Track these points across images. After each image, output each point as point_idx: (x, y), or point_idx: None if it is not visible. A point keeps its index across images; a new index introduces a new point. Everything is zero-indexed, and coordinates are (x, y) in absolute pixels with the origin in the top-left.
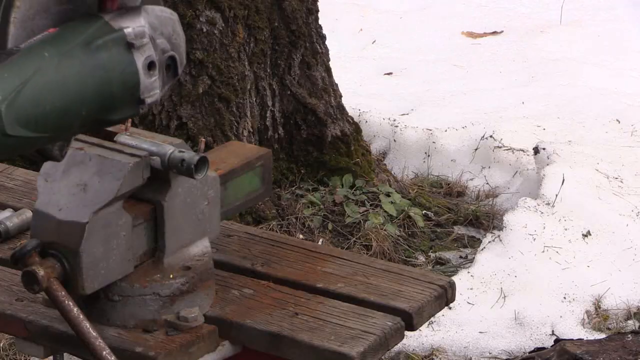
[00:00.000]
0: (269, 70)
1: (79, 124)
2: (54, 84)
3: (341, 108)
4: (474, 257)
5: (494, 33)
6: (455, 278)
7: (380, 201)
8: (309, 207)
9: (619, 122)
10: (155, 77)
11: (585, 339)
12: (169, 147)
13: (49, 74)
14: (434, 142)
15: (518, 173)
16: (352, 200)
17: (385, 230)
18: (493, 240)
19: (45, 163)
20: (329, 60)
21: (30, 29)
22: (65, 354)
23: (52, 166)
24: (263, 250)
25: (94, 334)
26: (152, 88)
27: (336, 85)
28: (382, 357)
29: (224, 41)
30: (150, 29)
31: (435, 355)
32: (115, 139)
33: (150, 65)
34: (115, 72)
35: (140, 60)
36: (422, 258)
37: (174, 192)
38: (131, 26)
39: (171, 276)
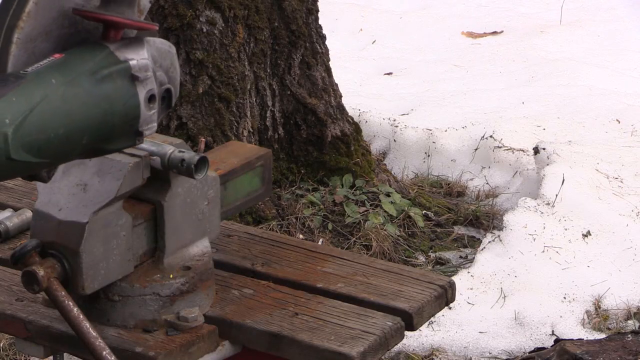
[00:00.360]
0: (269, 70)
1: (77, 152)
2: (59, 112)
3: (341, 108)
4: (474, 257)
5: (494, 33)
6: (455, 278)
7: (380, 201)
8: (309, 207)
9: (619, 122)
10: (155, 110)
11: (585, 339)
12: (169, 147)
13: (55, 101)
14: (434, 142)
15: (518, 173)
16: (352, 200)
17: (385, 230)
18: (493, 240)
19: None
20: (329, 60)
21: (32, 51)
22: (65, 354)
23: None
24: (263, 250)
25: (93, 334)
26: (151, 121)
27: (336, 85)
28: (382, 357)
29: (224, 41)
30: (152, 59)
31: (435, 355)
32: None
33: (151, 99)
34: (118, 103)
35: (142, 93)
36: (422, 258)
37: (174, 192)
38: (136, 58)
39: (171, 276)
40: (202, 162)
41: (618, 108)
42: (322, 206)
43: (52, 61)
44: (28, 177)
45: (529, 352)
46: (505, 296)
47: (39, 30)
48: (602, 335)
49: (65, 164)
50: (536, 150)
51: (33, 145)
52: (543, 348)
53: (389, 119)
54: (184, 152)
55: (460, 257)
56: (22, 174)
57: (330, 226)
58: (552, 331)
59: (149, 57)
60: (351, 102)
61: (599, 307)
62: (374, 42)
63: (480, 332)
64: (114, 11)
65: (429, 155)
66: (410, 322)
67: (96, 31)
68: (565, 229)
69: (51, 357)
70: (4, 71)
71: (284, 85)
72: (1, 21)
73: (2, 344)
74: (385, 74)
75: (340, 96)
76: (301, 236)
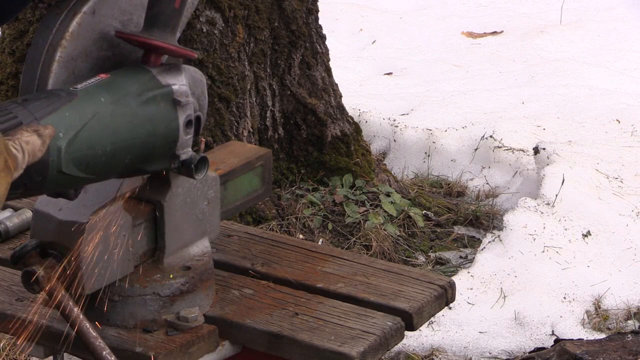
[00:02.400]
0: (269, 70)
1: (119, 171)
2: (108, 130)
3: (341, 108)
4: (474, 257)
5: (494, 33)
6: (455, 278)
7: (380, 201)
8: (309, 207)
9: (619, 122)
10: (191, 135)
11: (585, 339)
12: None
13: (104, 119)
14: (434, 142)
15: (518, 173)
16: (352, 200)
17: (385, 230)
18: (493, 240)
19: None
20: (329, 60)
21: (72, 70)
22: (65, 354)
23: None
24: (263, 250)
25: (93, 334)
26: (187, 145)
27: (336, 85)
28: (382, 357)
29: (224, 41)
30: (189, 88)
31: (435, 355)
32: None
33: (188, 124)
34: (160, 126)
35: (182, 117)
36: (422, 258)
37: (174, 192)
38: (177, 84)
39: (171, 276)
40: (202, 162)
41: (618, 108)
42: (322, 206)
43: (99, 80)
44: (54, 194)
45: (529, 352)
46: (505, 296)
47: (80, 51)
48: (602, 335)
49: None
50: (536, 150)
51: (82, 161)
52: (543, 348)
53: (389, 119)
54: None
55: (460, 257)
56: (65, 188)
57: (330, 226)
58: (552, 331)
59: (187, 84)
60: (351, 102)
61: (599, 307)
62: (374, 42)
63: (480, 332)
64: (158, 37)
65: (429, 155)
66: (410, 322)
67: (131, 55)
68: (565, 229)
69: (51, 357)
70: (44, 88)
71: (284, 85)
72: (43, 40)
73: (2, 344)
74: (385, 74)
75: (340, 96)
76: (301, 236)
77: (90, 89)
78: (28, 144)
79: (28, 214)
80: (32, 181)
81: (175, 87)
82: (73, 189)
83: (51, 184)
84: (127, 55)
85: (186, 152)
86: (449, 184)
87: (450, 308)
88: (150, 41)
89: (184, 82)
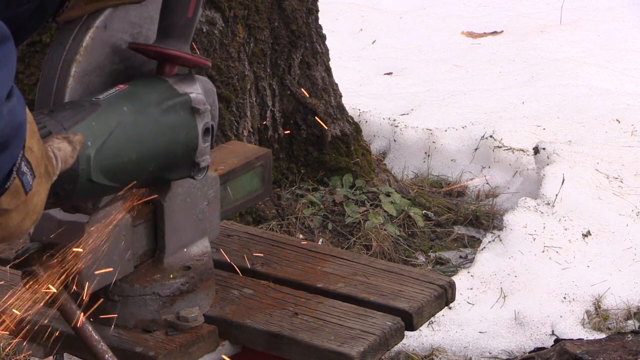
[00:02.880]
0: (269, 70)
1: (143, 179)
2: (132, 138)
3: (341, 108)
4: (474, 257)
5: (494, 33)
6: (455, 278)
7: (380, 201)
8: (309, 207)
9: (619, 122)
10: (209, 142)
11: (585, 339)
12: None
13: (128, 128)
14: (434, 142)
15: (518, 173)
16: (352, 200)
17: (385, 230)
18: (493, 240)
19: None
20: (329, 60)
21: (87, 84)
22: (65, 354)
23: None
24: (263, 250)
25: (96, 337)
26: (205, 152)
27: (336, 85)
28: (382, 357)
29: (224, 41)
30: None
31: (435, 355)
32: None
33: (206, 131)
34: (181, 133)
35: (201, 125)
36: (422, 258)
37: (174, 192)
38: (194, 92)
39: (171, 276)
40: None
41: (618, 108)
42: (322, 206)
43: (119, 91)
44: (71, 208)
45: (529, 352)
46: (505, 296)
47: (94, 65)
48: (602, 335)
49: None
50: (536, 150)
51: (110, 169)
52: (543, 348)
53: (389, 119)
54: None
55: (460, 257)
56: (92, 197)
57: (330, 226)
58: (552, 331)
59: (202, 92)
60: (351, 102)
61: (599, 307)
62: (374, 42)
63: (480, 332)
64: (173, 46)
65: (429, 155)
66: (410, 322)
67: (143, 68)
68: (565, 229)
69: (51, 357)
70: (61, 102)
71: (284, 85)
72: (57, 56)
73: (2, 344)
74: (385, 74)
75: (340, 96)
76: (301, 236)
77: (112, 99)
78: (60, 150)
79: None
80: (64, 190)
81: (192, 96)
82: (92, 202)
83: (81, 192)
84: (139, 68)
85: (205, 160)
86: (449, 184)
87: (450, 308)
88: (167, 51)
89: (199, 91)
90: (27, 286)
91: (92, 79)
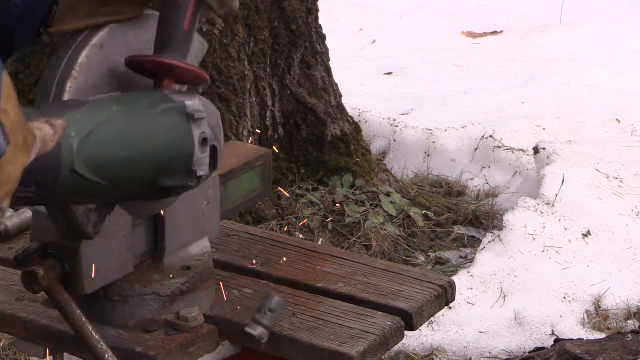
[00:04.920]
0: (269, 70)
1: (136, 182)
2: (122, 133)
3: (341, 108)
4: (474, 257)
5: (494, 33)
6: (455, 278)
7: (380, 201)
8: (309, 207)
9: (619, 122)
10: (207, 153)
11: (585, 339)
12: None
13: (118, 124)
14: (434, 142)
15: (518, 173)
16: (352, 200)
17: (385, 230)
18: (493, 240)
19: None
20: (329, 60)
21: None
22: (65, 354)
23: None
24: (263, 250)
25: (96, 337)
26: (203, 163)
27: (336, 85)
28: (382, 357)
29: (224, 41)
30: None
31: (435, 355)
32: None
33: (204, 141)
34: (175, 138)
35: (197, 132)
36: (422, 258)
37: None
38: (190, 101)
39: (171, 276)
40: None
41: (618, 108)
42: (322, 206)
43: (111, 95)
44: (72, 232)
45: (529, 352)
46: (505, 296)
47: (90, 84)
48: (602, 335)
49: None
50: (536, 150)
51: (95, 163)
52: (543, 348)
53: (389, 119)
54: None
55: (460, 257)
56: (80, 195)
57: (330, 226)
58: (552, 331)
59: (201, 105)
60: (351, 102)
61: (599, 307)
62: (374, 42)
63: (480, 332)
64: (168, 58)
65: (429, 155)
66: (410, 322)
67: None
68: (565, 229)
69: (51, 357)
70: None
71: (284, 85)
72: (53, 75)
73: (2, 344)
74: (385, 73)
75: (340, 96)
76: (301, 236)
77: (102, 100)
78: (41, 131)
79: (28, 213)
80: (45, 179)
81: (188, 103)
82: (92, 223)
83: (64, 185)
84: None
85: (203, 170)
86: (449, 184)
87: (450, 308)
88: (162, 60)
89: (197, 102)
90: (27, 286)
91: (88, 98)
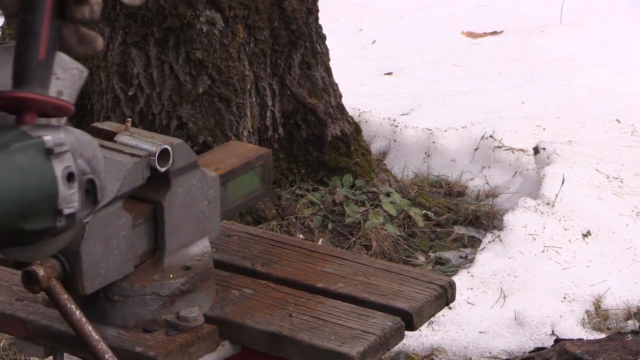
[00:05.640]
0: (269, 70)
1: None
2: None
3: (341, 108)
4: (474, 257)
5: (494, 33)
6: (455, 278)
7: (380, 201)
8: (309, 207)
9: (619, 122)
10: (75, 190)
11: (585, 339)
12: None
13: None
14: (434, 142)
15: (518, 173)
16: (352, 200)
17: (385, 230)
18: (493, 240)
19: None
20: (329, 60)
21: None
22: (65, 354)
23: None
24: (263, 250)
25: (96, 337)
26: (71, 200)
27: (336, 85)
28: (382, 357)
29: (224, 41)
30: (71, 146)
31: (435, 355)
32: (115, 139)
33: (70, 177)
34: (33, 177)
35: (59, 168)
36: (422, 258)
37: (174, 192)
38: (50, 135)
39: (171, 276)
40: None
41: (618, 108)
42: (322, 206)
43: None
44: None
45: (529, 352)
46: (505, 296)
47: None
48: (602, 335)
49: None
50: (536, 150)
51: None
52: (543, 348)
53: (389, 119)
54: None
55: (460, 257)
56: None
57: (330, 226)
58: (552, 331)
59: (66, 139)
60: (351, 102)
61: (599, 307)
62: (374, 42)
63: (480, 332)
64: (25, 90)
65: (429, 155)
66: (410, 322)
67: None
68: (565, 229)
69: (51, 357)
70: None
71: (284, 85)
72: None
73: (2, 344)
74: (385, 73)
75: (340, 96)
76: (301, 236)
77: None
78: None
79: None
80: None
81: (47, 138)
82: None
83: None
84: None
85: (72, 207)
86: (449, 184)
87: (450, 308)
88: (12, 94)
89: (60, 136)
90: (27, 286)
91: None
